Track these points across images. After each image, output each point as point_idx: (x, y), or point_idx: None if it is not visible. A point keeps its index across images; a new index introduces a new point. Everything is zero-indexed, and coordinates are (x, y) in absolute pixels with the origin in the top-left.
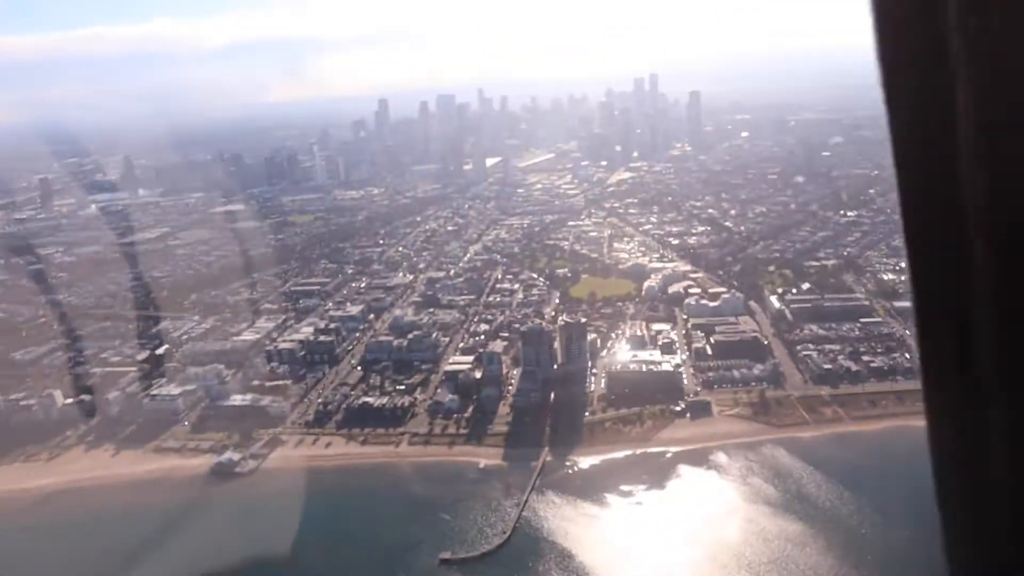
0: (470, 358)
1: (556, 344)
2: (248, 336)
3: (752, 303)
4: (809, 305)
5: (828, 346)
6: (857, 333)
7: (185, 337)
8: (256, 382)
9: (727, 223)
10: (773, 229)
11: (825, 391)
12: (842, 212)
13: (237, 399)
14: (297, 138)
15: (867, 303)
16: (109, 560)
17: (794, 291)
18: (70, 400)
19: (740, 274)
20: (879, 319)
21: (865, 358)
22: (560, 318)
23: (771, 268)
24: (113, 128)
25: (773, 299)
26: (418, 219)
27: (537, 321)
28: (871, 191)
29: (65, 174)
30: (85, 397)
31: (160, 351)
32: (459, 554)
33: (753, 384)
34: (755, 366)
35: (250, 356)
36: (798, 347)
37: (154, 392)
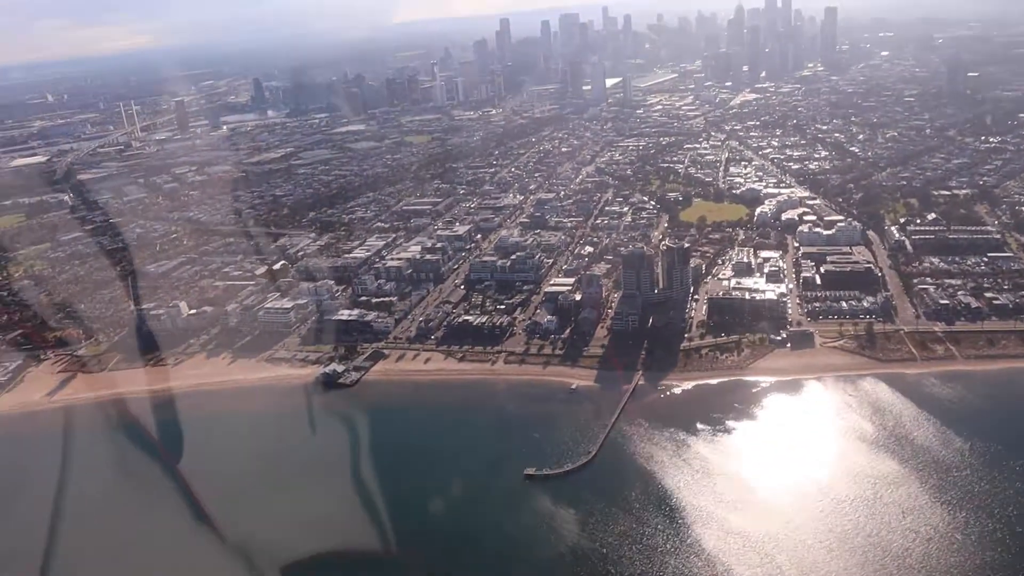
0: (571, 280)
1: (658, 268)
2: (359, 253)
3: (871, 233)
4: (932, 236)
5: (948, 280)
6: (983, 268)
7: (301, 253)
8: (363, 298)
9: (853, 148)
10: (903, 155)
11: (939, 327)
12: (983, 138)
13: (344, 314)
14: (420, 59)
15: (999, 236)
16: (219, 456)
17: (918, 221)
18: (194, 311)
19: (861, 202)
20: (1010, 254)
21: (989, 295)
22: (663, 242)
23: (896, 196)
24: (247, 52)
25: (894, 229)
26: (533, 140)
27: (640, 245)
28: (1021, 115)
29: (201, 97)
30: (207, 308)
31: (277, 266)
32: (543, 470)
33: (861, 317)
34: (865, 298)
35: (360, 273)
36: (915, 280)
37: (269, 305)
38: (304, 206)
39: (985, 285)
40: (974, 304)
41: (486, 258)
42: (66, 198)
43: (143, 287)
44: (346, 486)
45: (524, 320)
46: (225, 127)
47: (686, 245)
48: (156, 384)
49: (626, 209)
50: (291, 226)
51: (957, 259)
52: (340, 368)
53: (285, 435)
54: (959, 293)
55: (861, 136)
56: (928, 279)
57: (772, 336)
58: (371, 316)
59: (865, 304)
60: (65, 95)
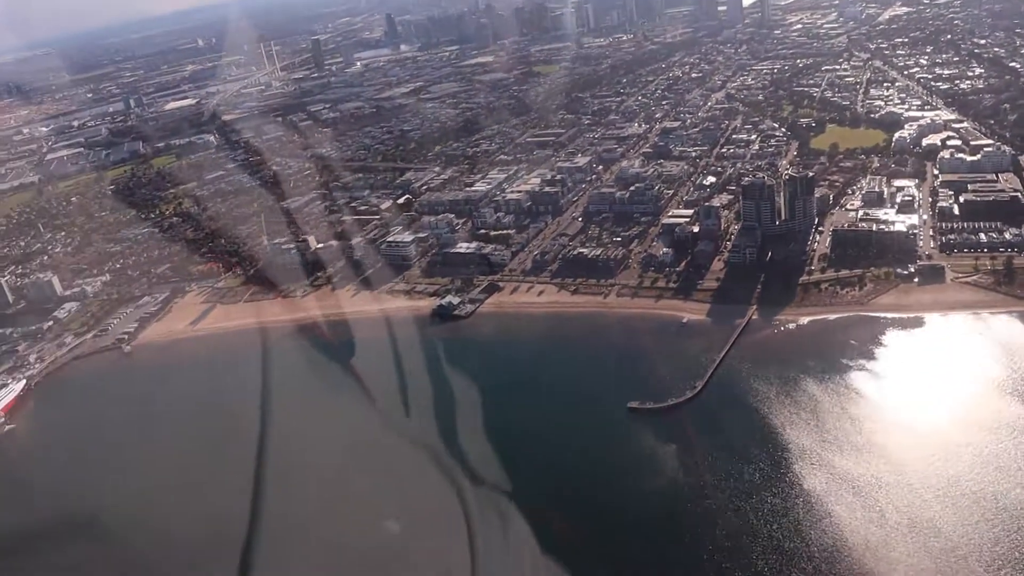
0: (691, 212)
1: (780, 199)
2: (480, 186)
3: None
4: None
5: None
6: None
7: (424, 188)
8: (482, 231)
9: (1014, 63)
10: None
11: None
12: None
13: (463, 247)
14: None
15: None
16: (345, 380)
17: None
18: (321, 245)
19: (1015, 124)
20: None
21: None
22: (785, 172)
23: None
24: None
25: None
26: (663, 66)
27: (761, 175)
28: None
29: (338, 34)
30: (333, 243)
31: (401, 201)
32: (647, 404)
33: (1001, 250)
34: (1007, 230)
35: (480, 206)
36: None
37: (391, 239)
38: (431, 140)
39: None
40: None
41: (605, 190)
42: (211, 138)
43: (277, 222)
44: (451, 415)
45: (640, 252)
46: (359, 63)
47: (810, 174)
48: (283, 315)
49: (754, 137)
50: (417, 160)
51: None
52: (456, 300)
53: (393, 364)
54: None
55: None
56: None
57: (898, 270)
58: (488, 249)
59: (1007, 236)
60: (213, 39)
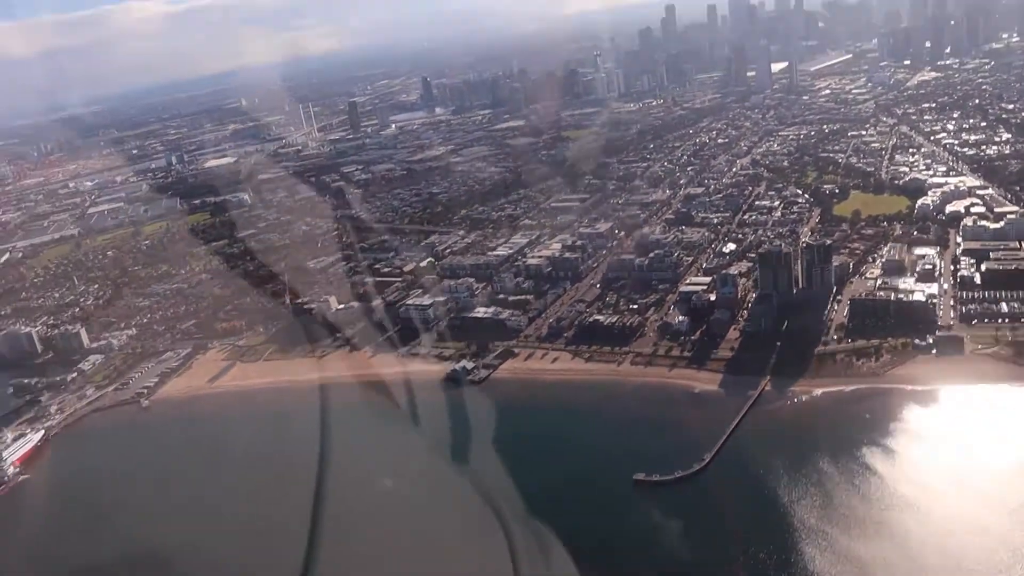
0: (708, 279)
1: (798, 267)
2: (502, 251)
3: None
4: None
5: None
6: None
7: (448, 251)
8: (501, 296)
9: None
10: None
11: None
12: None
13: (480, 311)
14: (586, 50)
15: None
16: (351, 444)
17: None
18: (342, 306)
19: None
20: None
21: None
22: (803, 239)
23: None
24: (422, 52)
25: None
26: (690, 131)
27: (778, 243)
28: None
29: (375, 96)
30: (354, 304)
31: (424, 264)
32: (653, 475)
33: (1023, 321)
34: None
35: (500, 270)
36: None
37: (411, 301)
38: (458, 203)
39: None
40: None
41: (624, 256)
42: (246, 196)
43: (301, 282)
44: (456, 478)
45: (656, 320)
46: (393, 126)
47: (828, 242)
48: (300, 375)
49: (777, 203)
50: (443, 223)
51: None
52: (470, 365)
53: (404, 429)
54: None
55: None
56: None
57: (916, 341)
58: (505, 314)
59: None
60: (256, 99)
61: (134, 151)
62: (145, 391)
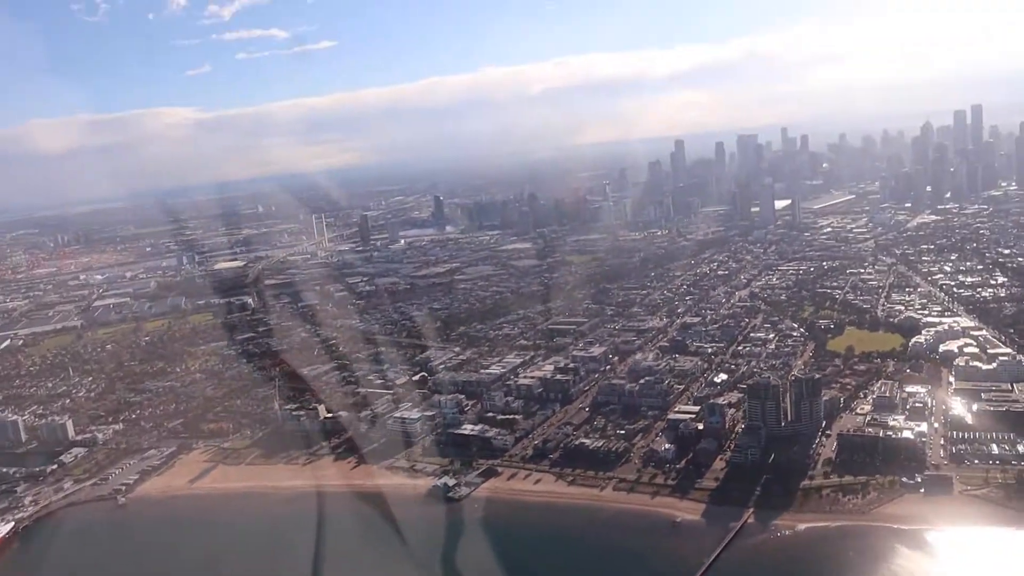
0: (697, 408)
1: (787, 400)
2: (495, 369)
3: None
4: None
5: None
6: None
7: (441, 366)
8: (490, 414)
9: None
10: None
11: None
12: None
13: (468, 428)
14: (597, 179)
15: None
16: (326, 554)
17: None
18: (330, 415)
19: None
20: None
21: None
22: (793, 373)
23: None
24: (438, 170)
25: None
26: (692, 262)
27: (767, 375)
28: None
29: (388, 211)
30: (343, 413)
31: (416, 378)
32: None
33: (1013, 463)
34: (1021, 442)
35: (491, 388)
36: None
37: (399, 414)
38: (457, 320)
39: None
40: None
41: (615, 381)
42: (250, 300)
43: (293, 388)
44: None
45: (642, 447)
46: (403, 241)
47: (817, 376)
48: (280, 482)
49: (772, 336)
50: (440, 339)
51: None
52: (451, 482)
53: (381, 543)
54: None
55: None
56: None
57: (904, 479)
58: (492, 432)
59: (1020, 448)
60: (273, 206)
61: (148, 248)
62: (123, 488)
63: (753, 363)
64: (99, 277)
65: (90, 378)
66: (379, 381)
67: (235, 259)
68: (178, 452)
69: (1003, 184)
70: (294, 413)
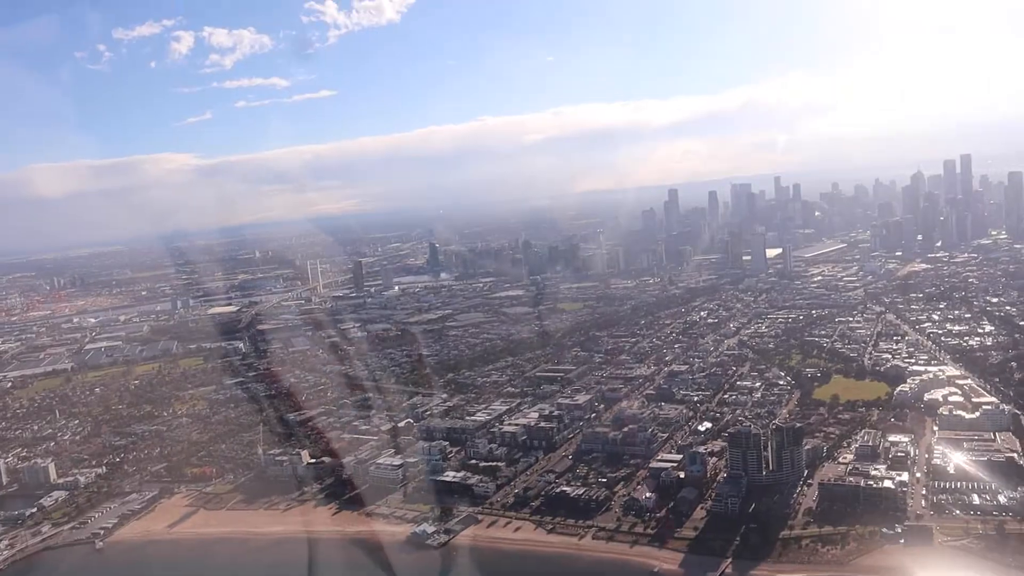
0: (680, 456)
1: (768, 449)
2: (480, 416)
3: None
4: None
5: None
6: None
7: (427, 412)
8: (473, 461)
9: (1023, 323)
10: None
11: None
12: None
13: (450, 475)
14: (592, 227)
15: None
16: None
17: None
18: (314, 460)
19: (1021, 383)
20: None
21: None
22: (774, 422)
23: None
24: (436, 217)
25: None
26: (683, 310)
27: (747, 424)
28: None
29: (384, 258)
30: (326, 459)
31: (401, 424)
32: None
33: (994, 514)
34: (1001, 492)
35: (475, 435)
36: None
37: (382, 461)
38: (446, 367)
39: None
40: None
41: (600, 429)
42: (241, 345)
43: (278, 433)
44: None
45: (623, 495)
46: (397, 287)
47: (798, 425)
48: (259, 527)
49: (758, 384)
50: (428, 385)
51: None
52: (430, 529)
53: None
54: None
55: None
56: None
57: (885, 529)
58: (474, 479)
59: (1001, 499)
60: (270, 251)
61: (143, 292)
62: (101, 532)
63: (738, 411)
64: (92, 320)
65: (76, 421)
66: (365, 427)
67: (229, 304)
68: (159, 496)
69: (993, 233)
70: (277, 458)
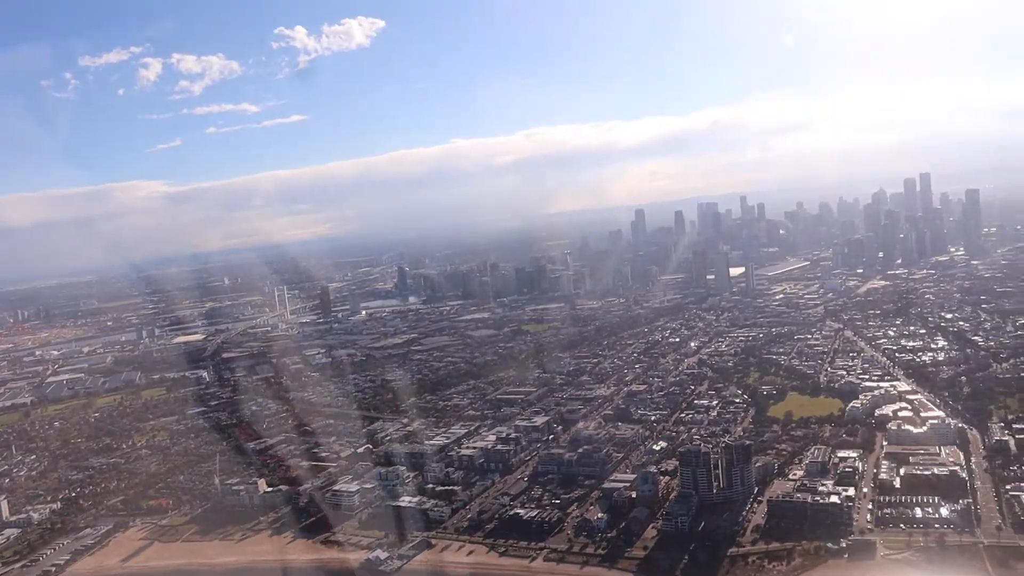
0: (634, 476)
1: (720, 467)
2: (439, 440)
3: (974, 432)
4: None
5: None
6: None
7: (387, 438)
8: (430, 485)
9: (975, 337)
10: None
11: None
12: None
13: (405, 500)
14: (560, 248)
15: None
16: None
17: None
18: (271, 489)
19: (969, 397)
20: None
21: None
22: (724, 440)
23: (1012, 391)
24: (407, 240)
25: (997, 428)
26: (646, 330)
27: (698, 442)
28: None
29: (352, 283)
30: (283, 487)
31: (361, 450)
32: None
33: (936, 526)
34: (944, 505)
35: (433, 460)
36: (1008, 487)
37: (338, 487)
38: (409, 391)
39: None
40: None
41: (555, 451)
42: (204, 374)
43: (235, 462)
44: None
45: (576, 516)
46: (364, 312)
47: (747, 443)
48: (214, 559)
49: (715, 403)
50: (389, 411)
51: None
52: (383, 555)
53: None
54: None
55: (987, 324)
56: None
57: (829, 544)
58: (429, 504)
59: (943, 512)
60: (239, 278)
61: (109, 323)
62: (53, 568)
63: (694, 430)
64: (55, 353)
65: (33, 456)
66: (324, 454)
67: (195, 333)
68: (114, 530)
69: (951, 249)
70: (234, 488)
